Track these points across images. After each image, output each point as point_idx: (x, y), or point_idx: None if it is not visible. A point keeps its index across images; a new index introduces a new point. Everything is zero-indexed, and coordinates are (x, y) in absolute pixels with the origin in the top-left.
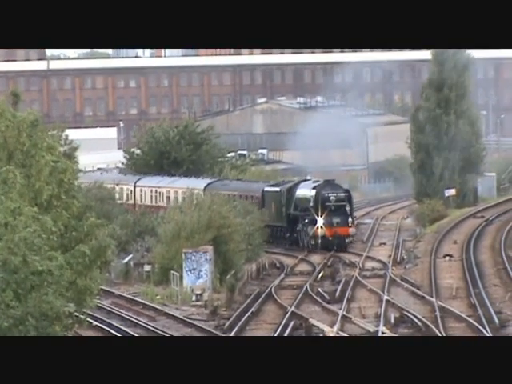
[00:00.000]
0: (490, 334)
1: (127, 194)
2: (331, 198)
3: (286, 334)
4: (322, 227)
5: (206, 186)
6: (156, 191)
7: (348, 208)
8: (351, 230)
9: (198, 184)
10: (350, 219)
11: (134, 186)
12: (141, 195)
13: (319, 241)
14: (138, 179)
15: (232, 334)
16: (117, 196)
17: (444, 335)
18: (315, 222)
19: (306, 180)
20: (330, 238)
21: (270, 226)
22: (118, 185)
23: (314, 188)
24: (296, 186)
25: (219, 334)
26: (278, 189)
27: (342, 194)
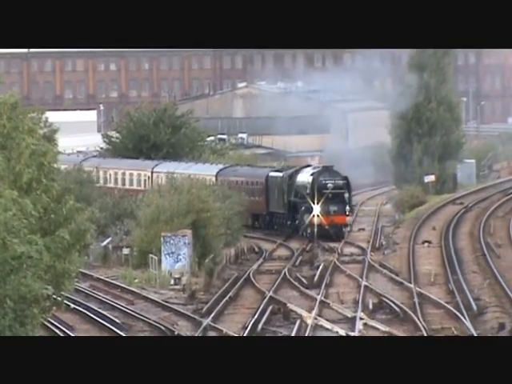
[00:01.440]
0: (468, 321)
1: (144, 180)
2: (328, 184)
3: (263, 319)
4: (318, 215)
5: (217, 172)
6: (172, 177)
7: (346, 196)
8: (348, 219)
9: (211, 170)
10: (347, 207)
11: (152, 172)
12: (157, 181)
13: (315, 230)
14: (156, 165)
15: (210, 318)
16: (134, 182)
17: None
18: (312, 209)
19: (308, 166)
20: (327, 227)
21: (273, 212)
22: (135, 170)
23: (311, 174)
24: (298, 171)
25: (197, 318)
26: (280, 174)
27: (341, 182)
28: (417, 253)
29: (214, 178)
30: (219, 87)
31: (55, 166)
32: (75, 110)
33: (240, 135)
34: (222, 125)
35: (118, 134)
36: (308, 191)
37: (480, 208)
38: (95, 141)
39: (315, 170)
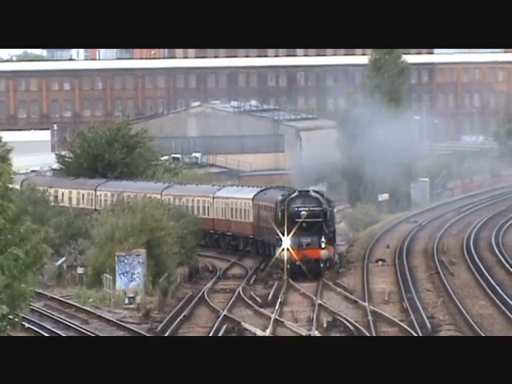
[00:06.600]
0: None
1: (204, 207)
2: (302, 212)
3: None
4: (288, 249)
5: (254, 196)
6: (225, 203)
7: (325, 225)
8: (323, 253)
9: (249, 194)
10: (323, 239)
11: (213, 198)
12: (216, 208)
13: (287, 266)
14: (218, 190)
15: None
16: (200, 209)
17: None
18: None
19: (302, 190)
20: (298, 263)
21: (271, 244)
22: (192, 197)
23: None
24: (289, 196)
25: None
26: (281, 198)
27: (317, 209)
28: (371, 271)
29: (251, 202)
30: (173, 106)
31: (10, 186)
32: (29, 129)
33: (194, 154)
34: (175, 144)
35: (71, 154)
36: (280, 220)
37: (434, 226)
38: (49, 160)
39: (291, 196)
